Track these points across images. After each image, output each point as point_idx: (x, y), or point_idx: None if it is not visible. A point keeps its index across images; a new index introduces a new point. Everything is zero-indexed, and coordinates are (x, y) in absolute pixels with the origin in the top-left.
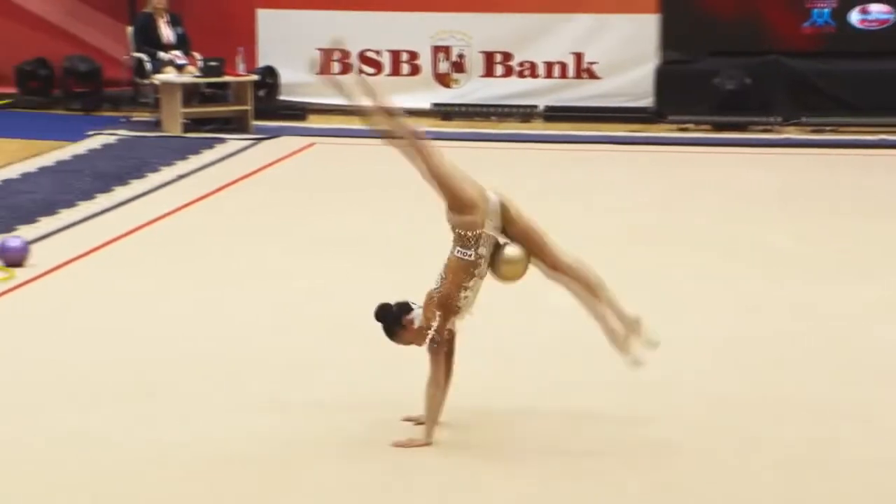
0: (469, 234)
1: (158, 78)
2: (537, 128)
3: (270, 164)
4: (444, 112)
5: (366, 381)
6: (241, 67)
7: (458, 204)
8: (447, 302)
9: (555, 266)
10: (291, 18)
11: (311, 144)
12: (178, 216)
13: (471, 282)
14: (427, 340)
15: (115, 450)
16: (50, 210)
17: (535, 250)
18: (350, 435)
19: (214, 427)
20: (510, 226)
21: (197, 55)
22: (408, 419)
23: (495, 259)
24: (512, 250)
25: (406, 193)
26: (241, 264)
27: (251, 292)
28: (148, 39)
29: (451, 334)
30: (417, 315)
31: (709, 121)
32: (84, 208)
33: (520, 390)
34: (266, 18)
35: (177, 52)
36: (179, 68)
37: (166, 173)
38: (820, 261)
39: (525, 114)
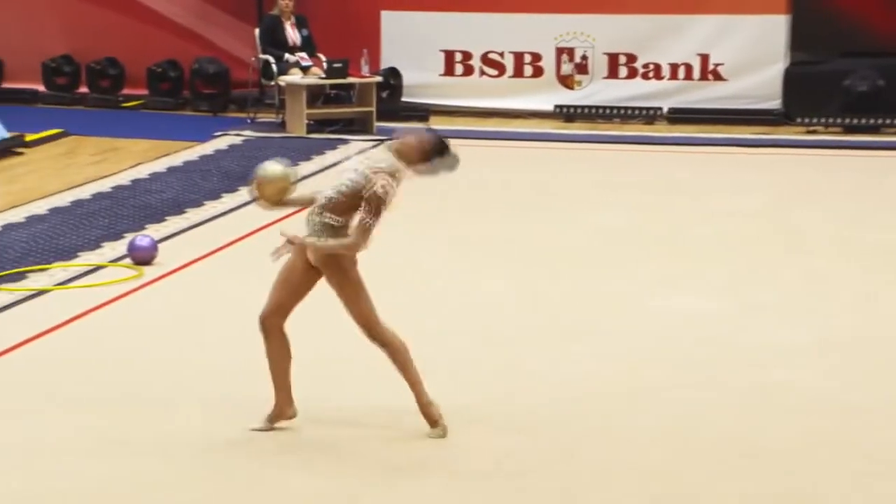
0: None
1: (284, 79)
2: (661, 130)
3: None
4: (566, 114)
5: (478, 383)
6: (365, 69)
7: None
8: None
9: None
10: (415, 20)
11: None
12: (302, 216)
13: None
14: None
15: (232, 450)
16: (178, 209)
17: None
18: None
19: (342, 427)
20: None
21: (322, 57)
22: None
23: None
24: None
25: (527, 195)
26: (363, 265)
27: (375, 293)
28: (274, 41)
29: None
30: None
31: (839, 123)
32: (210, 208)
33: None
34: (390, 20)
35: (302, 54)
36: (304, 70)
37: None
38: None
39: (649, 116)
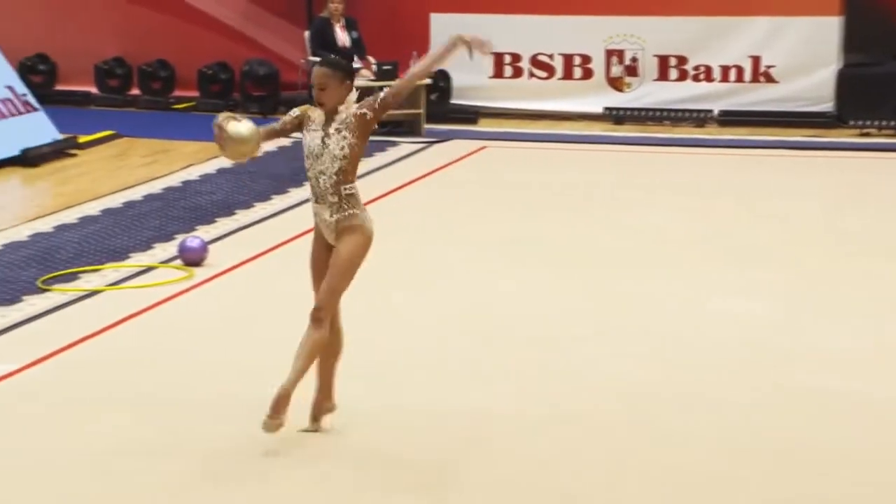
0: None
1: None
2: (712, 132)
3: (442, 167)
4: (616, 116)
5: (524, 385)
6: None
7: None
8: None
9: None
10: (464, 22)
11: (482, 147)
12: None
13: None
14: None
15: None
16: (227, 211)
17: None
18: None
19: (377, 430)
20: None
21: (371, 59)
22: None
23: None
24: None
25: (576, 197)
26: (412, 266)
27: (421, 294)
28: (324, 43)
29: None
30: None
31: (892, 126)
32: (260, 209)
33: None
34: (439, 22)
35: (352, 56)
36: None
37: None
38: None
39: (699, 118)
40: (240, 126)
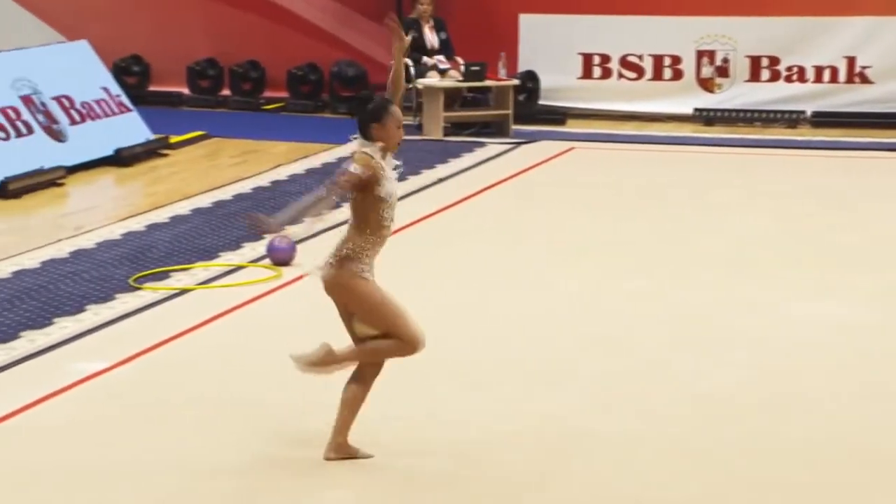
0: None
1: (421, 82)
2: (804, 134)
3: (529, 168)
4: (706, 117)
5: (614, 390)
6: (502, 72)
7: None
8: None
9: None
10: (553, 23)
11: (570, 149)
12: (439, 218)
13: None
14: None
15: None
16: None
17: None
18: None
19: (463, 429)
20: None
21: (460, 60)
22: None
23: None
24: None
25: (664, 199)
26: (500, 266)
27: (509, 294)
28: (413, 44)
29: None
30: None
31: None
32: (348, 210)
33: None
34: (528, 23)
35: (440, 57)
36: (442, 73)
37: (427, 176)
38: None
39: (792, 119)
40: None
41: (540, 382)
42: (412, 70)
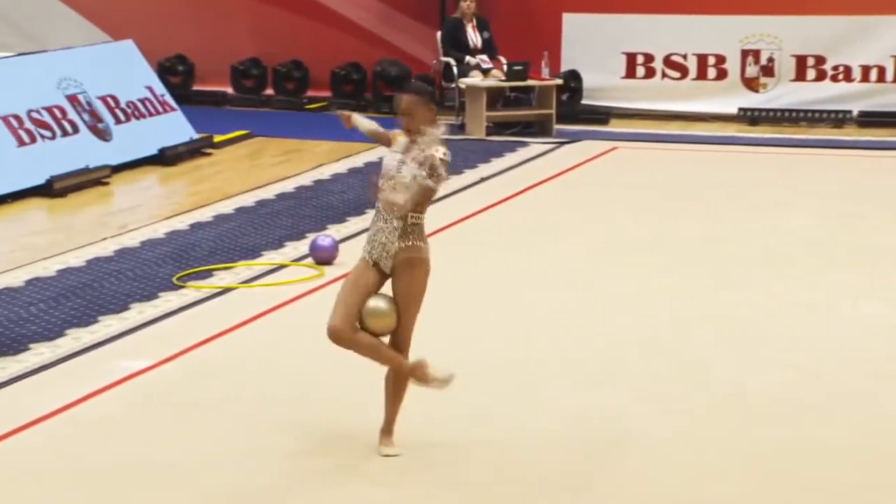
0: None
1: (464, 82)
2: (850, 134)
3: (572, 168)
4: (750, 117)
5: (661, 390)
6: (545, 71)
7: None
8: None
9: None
10: (597, 22)
11: (613, 148)
12: (481, 217)
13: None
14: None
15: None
16: (358, 210)
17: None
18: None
19: (497, 429)
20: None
21: (502, 59)
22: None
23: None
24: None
25: (708, 199)
26: (542, 266)
27: (551, 293)
28: (456, 44)
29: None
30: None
31: None
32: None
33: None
34: (571, 22)
35: (483, 57)
36: (485, 72)
37: (470, 175)
38: None
39: (837, 119)
40: (379, 301)
41: (582, 382)
42: (454, 70)
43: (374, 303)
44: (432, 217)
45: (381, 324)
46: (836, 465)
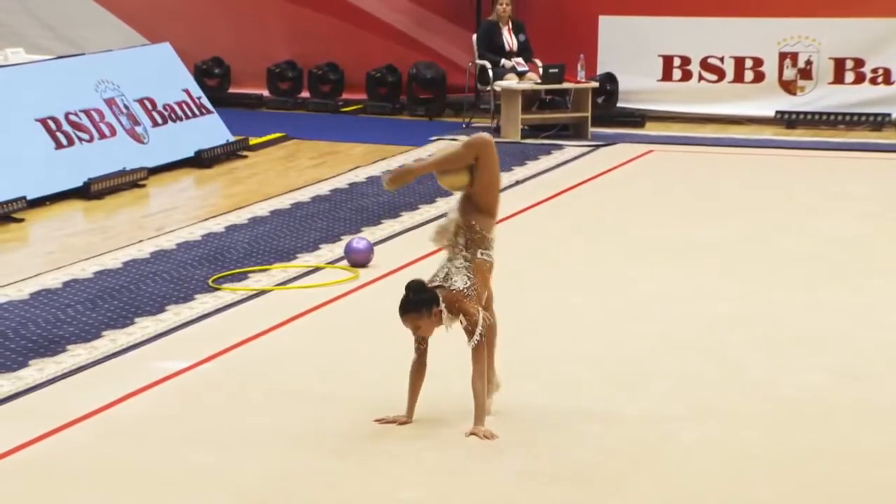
0: (490, 236)
1: (499, 84)
2: (889, 137)
3: (608, 171)
4: (788, 120)
5: (699, 392)
6: (581, 74)
7: (495, 210)
8: (480, 300)
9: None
10: (633, 25)
11: (649, 151)
12: (517, 220)
13: (489, 275)
14: (475, 336)
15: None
16: (393, 213)
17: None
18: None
19: (541, 429)
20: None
21: (538, 62)
22: (380, 420)
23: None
24: None
25: (745, 202)
26: (577, 268)
27: (587, 295)
28: (491, 46)
29: (491, 328)
30: (444, 311)
31: None
32: (424, 212)
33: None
34: (608, 25)
35: (518, 59)
36: (521, 75)
37: (504, 178)
38: None
39: (876, 122)
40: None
41: (616, 384)
42: (490, 72)
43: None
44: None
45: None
46: (871, 469)
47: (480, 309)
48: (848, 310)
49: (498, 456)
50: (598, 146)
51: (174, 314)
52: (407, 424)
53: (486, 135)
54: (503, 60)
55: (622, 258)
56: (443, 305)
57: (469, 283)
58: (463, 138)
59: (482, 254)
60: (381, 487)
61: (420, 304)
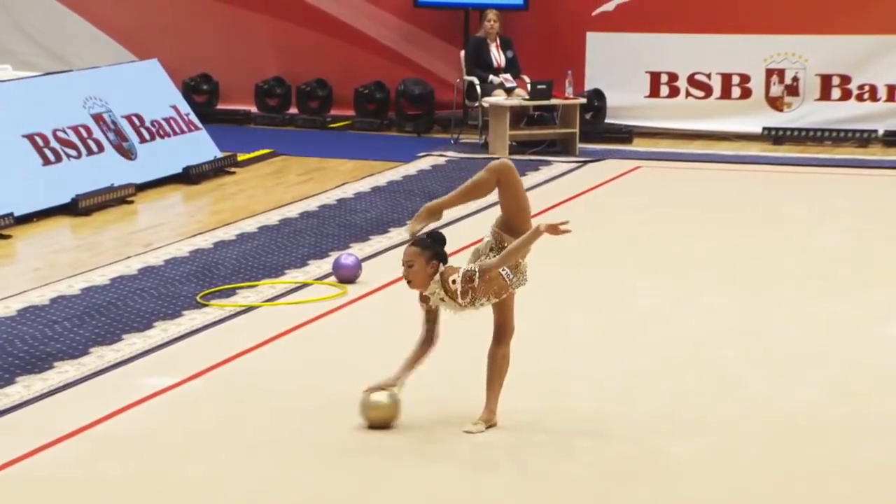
0: (520, 259)
1: (487, 101)
2: (876, 153)
3: (596, 187)
4: (775, 136)
5: (695, 406)
6: (568, 90)
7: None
8: (471, 299)
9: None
10: (621, 41)
11: (636, 167)
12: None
13: (493, 298)
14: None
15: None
16: (381, 228)
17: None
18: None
19: (541, 439)
20: None
21: (526, 78)
22: (368, 389)
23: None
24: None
25: (733, 218)
26: (568, 284)
27: (579, 311)
28: (480, 63)
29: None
30: (437, 275)
31: None
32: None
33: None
34: (595, 41)
35: (506, 76)
36: (509, 91)
37: (494, 195)
38: None
39: (863, 139)
40: (380, 397)
41: (612, 399)
42: (478, 89)
43: (377, 397)
44: (454, 237)
45: (378, 415)
46: (867, 485)
47: (464, 302)
48: (839, 324)
49: (491, 470)
50: (585, 162)
51: (162, 330)
52: (393, 387)
53: (506, 160)
54: (491, 77)
55: (610, 274)
56: (441, 268)
57: (472, 273)
58: (451, 154)
59: (504, 270)
60: (372, 502)
61: (427, 247)
